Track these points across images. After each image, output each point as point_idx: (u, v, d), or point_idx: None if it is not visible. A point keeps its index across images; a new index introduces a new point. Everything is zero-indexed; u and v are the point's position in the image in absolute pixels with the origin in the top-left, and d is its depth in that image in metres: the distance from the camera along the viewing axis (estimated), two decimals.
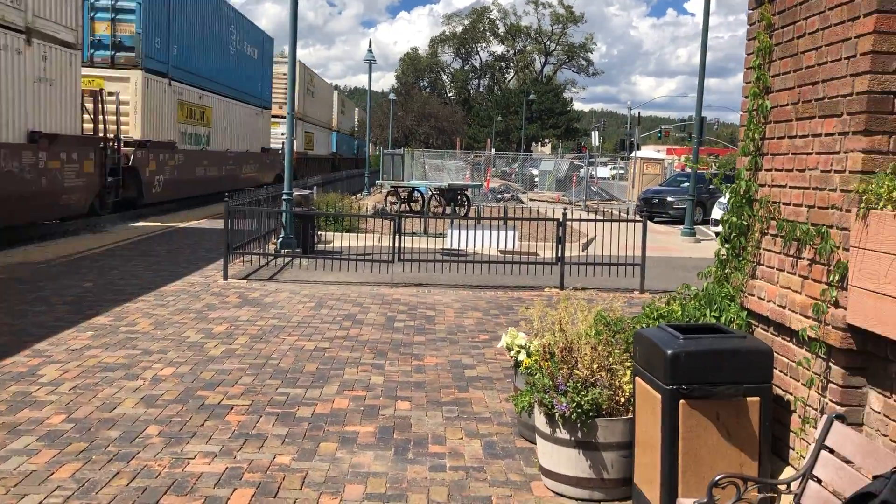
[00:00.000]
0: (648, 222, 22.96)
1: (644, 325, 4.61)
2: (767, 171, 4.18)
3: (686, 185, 23.12)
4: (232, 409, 5.49)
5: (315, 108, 44.05)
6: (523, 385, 4.87)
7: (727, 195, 4.31)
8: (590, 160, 33.97)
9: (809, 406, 3.64)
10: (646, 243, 11.37)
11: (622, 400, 4.30)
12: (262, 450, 4.76)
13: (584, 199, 29.44)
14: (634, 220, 11.97)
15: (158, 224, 17.90)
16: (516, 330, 5.23)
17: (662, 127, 69.95)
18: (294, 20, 13.55)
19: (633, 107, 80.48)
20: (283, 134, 36.72)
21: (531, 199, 32.53)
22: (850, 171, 3.38)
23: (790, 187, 3.92)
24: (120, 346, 7.04)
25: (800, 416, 3.71)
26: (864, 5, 3.33)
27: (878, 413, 3.28)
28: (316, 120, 44.47)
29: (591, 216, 20.50)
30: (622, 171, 45.90)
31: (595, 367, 4.42)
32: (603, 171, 46.30)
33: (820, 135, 3.67)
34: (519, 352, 5.05)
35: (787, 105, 4.01)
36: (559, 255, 11.43)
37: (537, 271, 11.96)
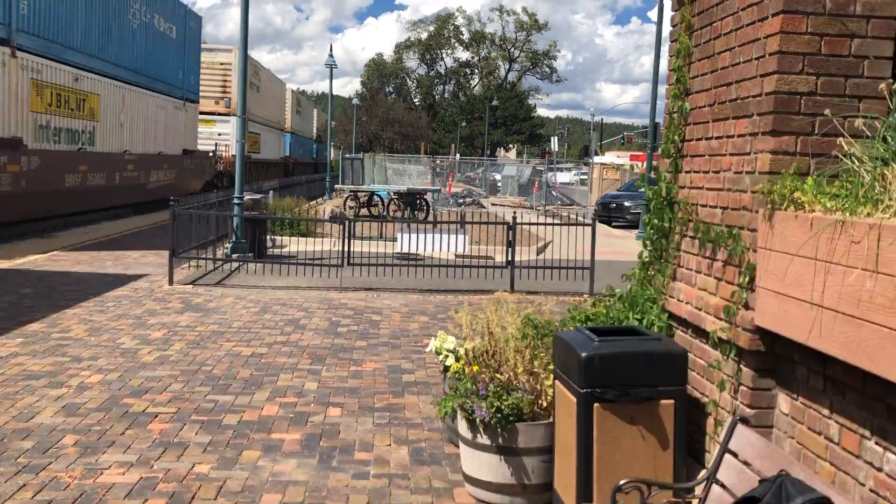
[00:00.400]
0: (606, 226, 23.21)
1: (570, 328, 4.58)
2: (687, 172, 4.17)
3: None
4: (156, 416, 5.35)
5: (261, 106, 38.80)
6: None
7: (649, 197, 4.29)
8: (550, 165, 34.14)
9: (722, 409, 3.62)
10: (594, 246, 11.40)
11: (545, 404, 4.25)
12: (182, 459, 4.63)
13: (545, 203, 29.56)
14: (584, 224, 12.00)
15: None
16: (446, 334, 5.16)
17: (625, 133, 70.71)
18: (245, 7, 13.34)
19: (597, 113, 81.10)
20: (219, 134, 33.51)
21: (493, 204, 32.61)
22: (759, 172, 3.37)
23: (707, 189, 3.91)
24: (49, 353, 6.84)
25: (713, 419, 3.70)
26: (771, 6, 3.33)
27: (786, 415, 3.26)
28: (262, 119, 39.50)
29: (548, 220, 20.58)
30: (584, 177, 46.24)
31: (519, 370, 4.37)
32: (565, 177, 46.54)
33: (733, 136, 3.66)
34: (447, 356, 4.98)
35: (704, 107, 4.00)
36: (510, 258, 11.41)
37: (489, 275, 11.93)
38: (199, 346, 7.35)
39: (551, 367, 4.42)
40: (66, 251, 13.77)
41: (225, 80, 32.92)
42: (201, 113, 29.57)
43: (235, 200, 13.17)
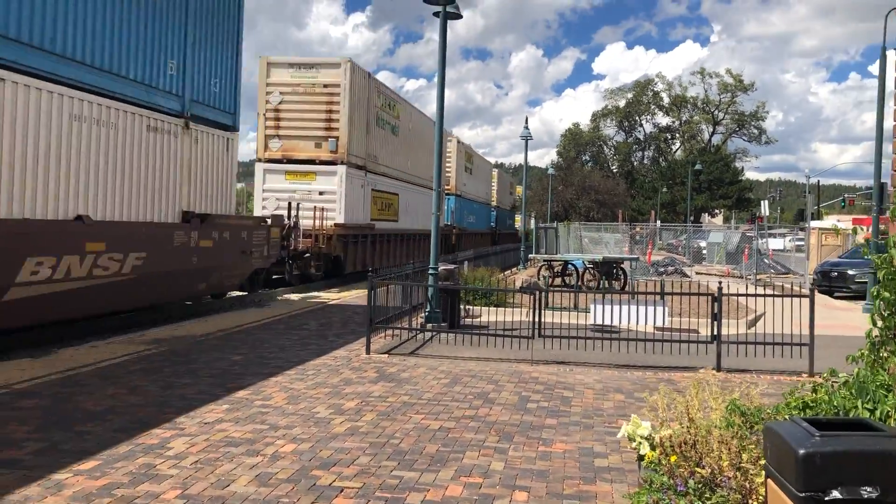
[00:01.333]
0: (827, 297, 21.16)
1: (785, 417, 4.00)
2: None
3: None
4: (342, 491, 5.31)
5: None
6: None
7: (877, 265, 3.69)
8: (761, 231, 32.02)
9: None
10: (813, 320, 10.30)
11: None
12: None
13: (755, 272, 27.63)
14: (801, 295, 10.90)
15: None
16: (640, 418, 4.73)
17: (846, 195, 65.29)
18: (440, 116, 13.83)
19: (813, 175, 75.49)
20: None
21: (697, 273, 30.99)
22: None
23: None
24: (250, 420, 7.12)
25: None
26: None
27: None
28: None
29: (759, 290, 19.09)
30: (800, 243, 42.98)
31: (724, 464, 3.86)
32: (778, 243, 43.45)
33: None
34: (641, 443, 4.54)
35: None
36: (715, 332, 10.58)
37: (693, 350, 11.15)
38: (390, 418, 7.34)
39: (762, 461, 3.87)
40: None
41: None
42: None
43: (430, 271, 13.41)
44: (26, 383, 8.43)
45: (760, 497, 3.67)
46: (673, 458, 4.14)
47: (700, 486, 3.67)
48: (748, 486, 3.70)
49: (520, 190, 58.46)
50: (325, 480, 5.51)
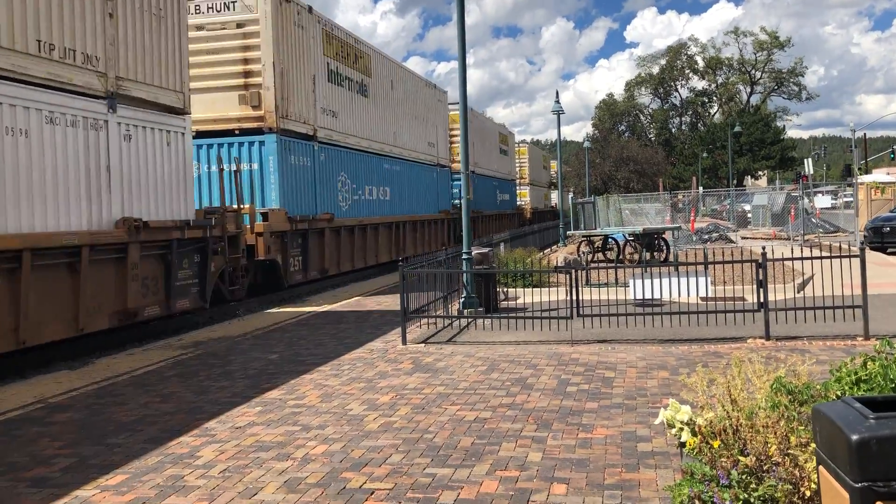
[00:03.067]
0: (880, 254, 20.36)
1: (836, 395, 3.66)
2: None
3: None
4: (372, 493, 5.11)
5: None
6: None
7: None
8: (806, 190, 31.04)
9: None
10: (865, 279, 9.79)
11: (808, 494, 3.38)
12: None
13: (803, 232, 26.79)
14: (851, 255, 10.39)
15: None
16: (679, 402, 4.42)
17: (894, 147, 63.20)
18: (463, 92, 13.51)
19: (859, 128, 72.92)
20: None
21: (743, 238, 30.21)
22: None
23: None
24: (282, 422, 6.97)
25: None
26: None
27: None
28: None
29: (808, 252, 18.43)
30: (849, 200, 41.66)
31: (771, 450, 3.55)
32: (826, 201, 42.14)
33: None
34: (682, 429, 4.24)
35: None
36: (762, 300, 10.15)
37: (740, 320, 10.74)
38: (424, 411, 7.13)
39: (812, 445, 3.55)
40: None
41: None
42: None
43: (464, 256, 13.16)
44: (61, 396, 8.41)
45: (813, 485, 3.35)
46: (716, 444, 3.84)
47: (745, 475, 3.37)
48: (798, 473, 3.39)
49: (555, 165, 57.95)
50: (356, 483, 5.32)
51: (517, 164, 50.44)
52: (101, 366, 10.20)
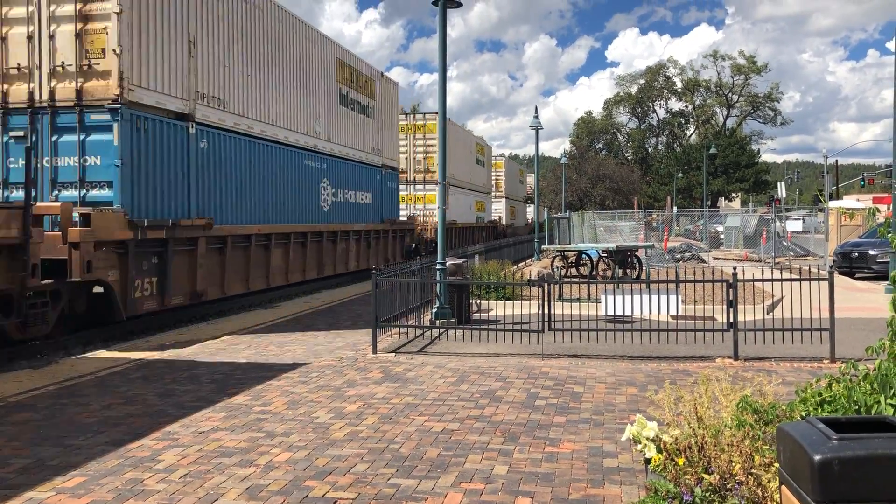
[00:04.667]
0: (848, 278, 20.65)
1: (801, 415, 3.68)
2: None
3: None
4: (335, 502, 5.04)
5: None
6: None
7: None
8: (779, 213, 31.42)
9: None
10: (832, 303, 9.90)
11: None
12: None
13: (774, 255, 27.12)
14: (820, 278, 10.51)
15: None
16: (645, 418, 4.41)
17: (865, 174, 64.34)
18: (443, 103, 13.53)
19: (832, 155, 74.00)
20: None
21: (715, 258, 30.52)
22: None
23: None
24: (247, 427, 6.88)
25: None
26: None
27: None
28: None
29: (779, 275, 18.66)
30: (818, 224, 42.24)
31: (735, 469, 3.55)
32: (797, 225, 42.69)
33: None
34: (647, 446, 4.23)
35: None
36: (731, 320, 10.22)
37: (709, 339, 10.81)
38: (391, 421, 7.07)
39: (776, 465, 3.56)
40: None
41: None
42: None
43: (438, 266, 13.13)
44: (22, 395, 8.24)
45: None
46: (681, 461, 3.83)
47: (708, 493, 3.37)
48: (761, 493, 3.39)
49: (531, 180, 58.53)
50: (319, 492, 5.25)
51: (493, 177, 50.85)
52: (65, 366, 10.02)
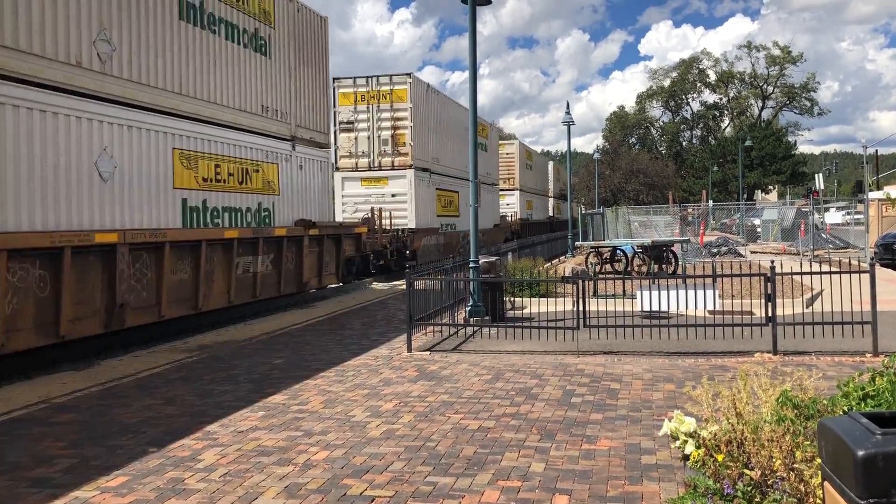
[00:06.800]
0: (890, 270, 20.21)
1: (843, 410, 3.62)
2: None
3: None
4: (373, 501, 5.07)
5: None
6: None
7: None
8: (817, 205, 30.88)
9: None
10: (874, 296, 9.71)
11: None
12: None
13: (812, 248, 26.64)
14: (861, 271, 10.31)
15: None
16: (683, 414, 4.37)
17: None
18: (473, 103, 13.51)
19: (871, 145, 72.39)
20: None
21: (752, 252, 30.05)
22: None
23: None
24: (285, 427, 6.95)
25: None
26: None
27: None
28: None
29: (818, 268, 18.32)
30: (859, 216, 41.44)
31: (776, 464, 3.50)
32: (836, 217, 41.91)
33: None
34: (686, 441, 4.19)
35: None
36: (769, 314, 10.07)
37: (748, 333, 10.66)
38: (427, 419, 7.09)
39: (818, 460, 3.50)
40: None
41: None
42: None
43: (471, 264, 13.13)
44: (66, 397, 8.42)
45: (819, 501, 3.30)
46: (720, 457, 3.79)
47: (749, 489, 3.33)
48: (803, 489, 3.34)
49: (553, 171, 58.89)
50: (356, 490, 5.28)
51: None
52: (106, 367, 10.21)
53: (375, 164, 25.17)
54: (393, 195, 24.99)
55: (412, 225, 24.86)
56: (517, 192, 45.68)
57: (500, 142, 44.03)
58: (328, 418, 7.22)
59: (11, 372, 9.82)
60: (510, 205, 44.40)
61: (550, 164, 59.73)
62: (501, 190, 41.43)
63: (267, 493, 5.24)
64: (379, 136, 25.19)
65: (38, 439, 6.71)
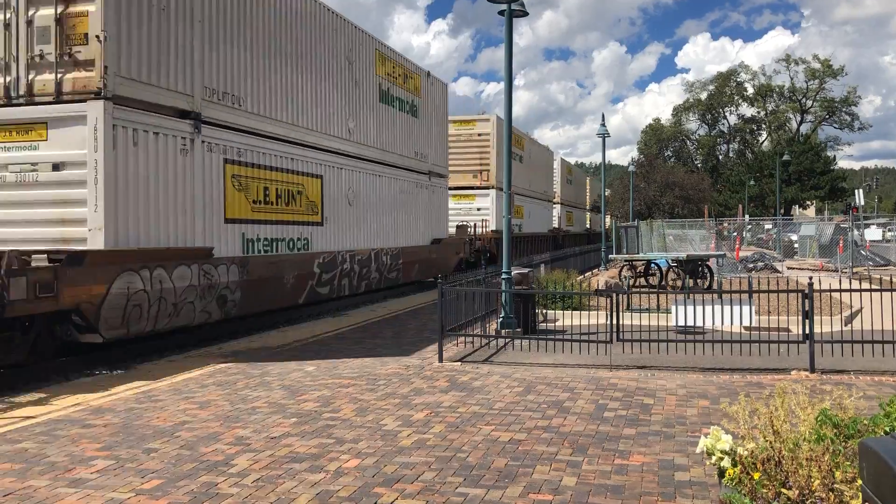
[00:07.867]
0: None
1: (885, 430, 3.54)
2: None
3: None
4: None
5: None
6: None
7: None
8: (856, 221, 30.32)
9: None
10: None
11: None
12: None
13: (851, 265, 26.14)
14: None
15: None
16: (720, 430, 4.31)
17: None
18: (509, 113, 13.55)
19: None
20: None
21: (789, 268, 29.58)
22: None
23: None
24: (316, 434, 6.98)
25: None
26: None
27: None
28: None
29: (857, 285, 17.97)
30: None
31: (814, 484, 3.44)
32: (876, 234, 41.05)
33: None
34: (722, 458, 4.13)
35: None
36: (807, 331, 9.90)
37: (783, 351, 10.49)
38: (458, 430, 7.08)
39: (859, 481, 3.43)
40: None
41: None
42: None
43: (503, 276, 13.11)
44: (103, 399, 8.56)
45: None
46: (756, 475, 3.73)
47: None
48: None
49: (590, 184, 59.26)
50: (387, 499, 5.29)
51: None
52: (141, 371, 10.36)
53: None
54: (478, 209, 32.73)
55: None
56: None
57: (465, 118, 35.95)
58: (360, 426, 7.24)
59: (50, 374, 10.01)
60: (482, 209, 39.34)
61: (558, 161, 57.04)
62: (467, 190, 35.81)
63: (299, 500, 5.27)
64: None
65: (75, 440, 6.83)
